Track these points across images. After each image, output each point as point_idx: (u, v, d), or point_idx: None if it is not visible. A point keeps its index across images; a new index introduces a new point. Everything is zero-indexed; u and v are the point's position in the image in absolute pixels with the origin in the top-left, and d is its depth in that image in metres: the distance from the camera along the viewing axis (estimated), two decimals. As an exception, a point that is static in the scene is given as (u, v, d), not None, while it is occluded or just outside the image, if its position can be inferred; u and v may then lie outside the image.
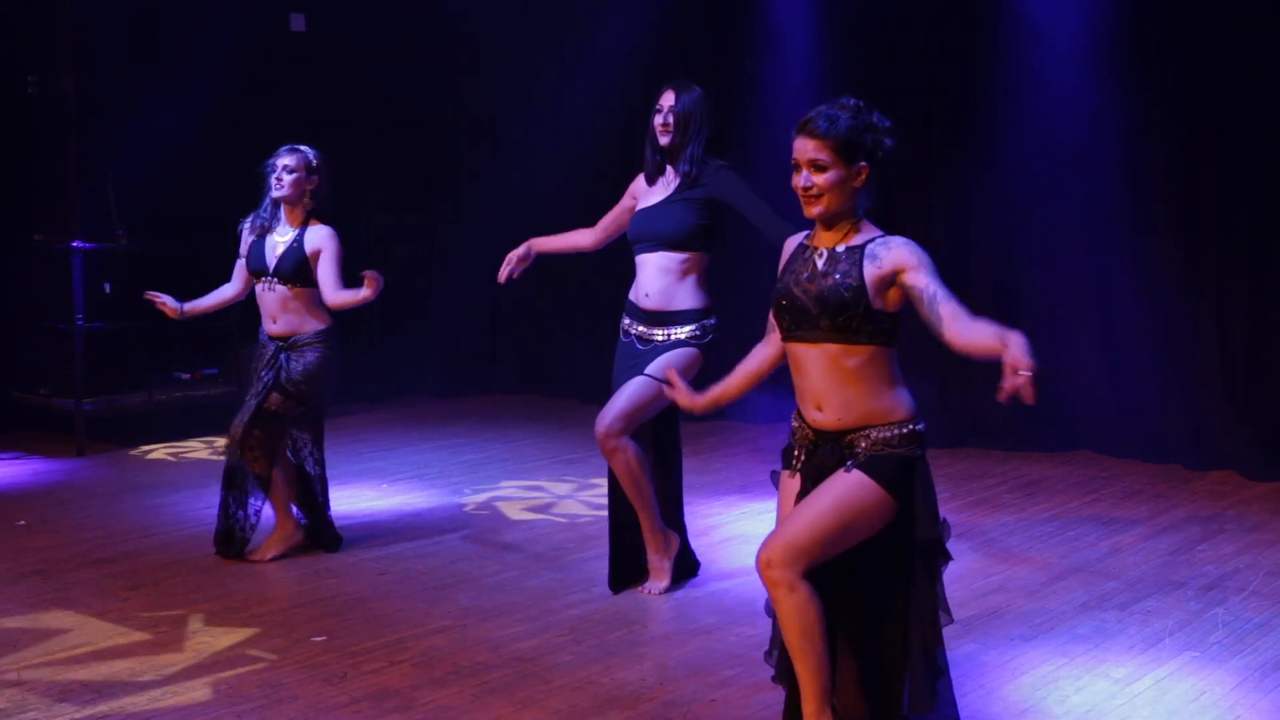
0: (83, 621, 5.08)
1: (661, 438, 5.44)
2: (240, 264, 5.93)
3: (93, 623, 5.07)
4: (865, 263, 3.57)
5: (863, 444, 3.58)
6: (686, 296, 5.25)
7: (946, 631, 3.73)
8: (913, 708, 3.69)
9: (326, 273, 5.74)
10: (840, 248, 3.62)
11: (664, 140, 5.27)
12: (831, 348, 3.58)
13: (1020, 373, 3.33)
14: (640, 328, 5.30)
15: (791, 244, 3.78)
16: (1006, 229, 8.12)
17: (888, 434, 3.58)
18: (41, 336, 8.44)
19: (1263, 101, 7.25)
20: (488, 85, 9.92)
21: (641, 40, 8.97)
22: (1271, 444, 7.28)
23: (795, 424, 3.76)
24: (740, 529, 6.29)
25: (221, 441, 6.55)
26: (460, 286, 10.18)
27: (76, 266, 8.07)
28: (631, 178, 5.49)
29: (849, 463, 3.57)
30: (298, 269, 5.75)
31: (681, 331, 5.24)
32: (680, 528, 5.55)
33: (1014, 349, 3.37)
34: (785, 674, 3.74)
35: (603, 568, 5.69)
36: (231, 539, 5.86)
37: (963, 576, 5.63)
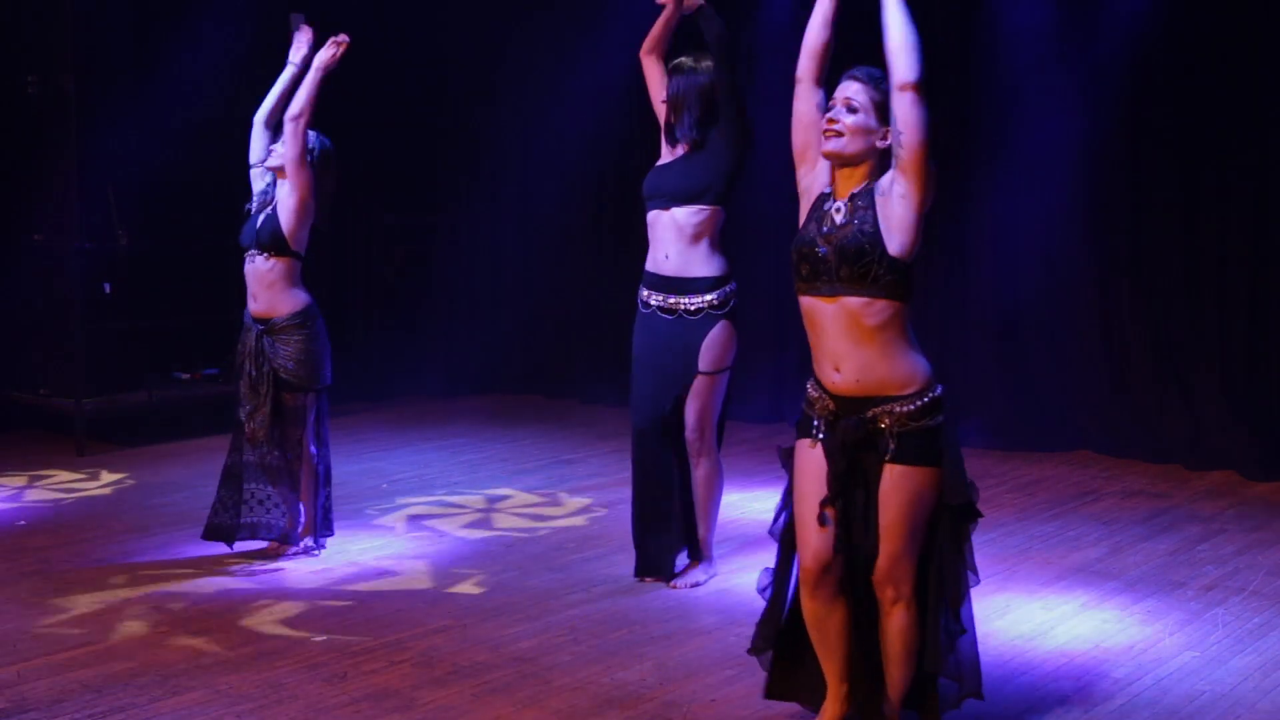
0: (82, 621, 5.08)
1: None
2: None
3: (92, 623, 5.07)
4: (876, 200, 3.63)
5: (886, 421, 3.63)
6: (703, 262, 5.31)
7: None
8: (930, 664, 3.72)
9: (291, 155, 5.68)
10: (856, 190, 3.69)
11: (663, 121, 5.45)
12: (850, 301, 3.62)
13: None
14: (659, 296, 5.36)
15: (812, 194, 3.83)
16: (1006, 229, 8.11)
17: (909, 407, 3.63)
18: (41, 336, 8.43)
19: (1263, 99, 7.25)
20: (488, 84, 9.91)
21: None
22: (1271, 444, 7.28)
23: (814, 393, 3.77)
24: (740, 529, 6.29)
25: (222, 441, 6.54)
26: (460, 286, 10.17)
27: (76, 266, 8.07)
28: (633, 173, 5.56)
29: (888, 453, 3.63)
30: (274, 236, 5.70)
31: (704, 300, 5.30)
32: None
33: None
34: (767, 642, 3.96)
35: (603, 568, 5.72)
36: (222, 533, 5.82)
37: (963, 576, 5.63)
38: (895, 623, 3.72)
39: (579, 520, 6.56)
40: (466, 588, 5.51)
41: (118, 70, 8.35)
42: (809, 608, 3.80)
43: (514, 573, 5.72)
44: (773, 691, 4.07)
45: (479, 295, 10.18)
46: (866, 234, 3.60)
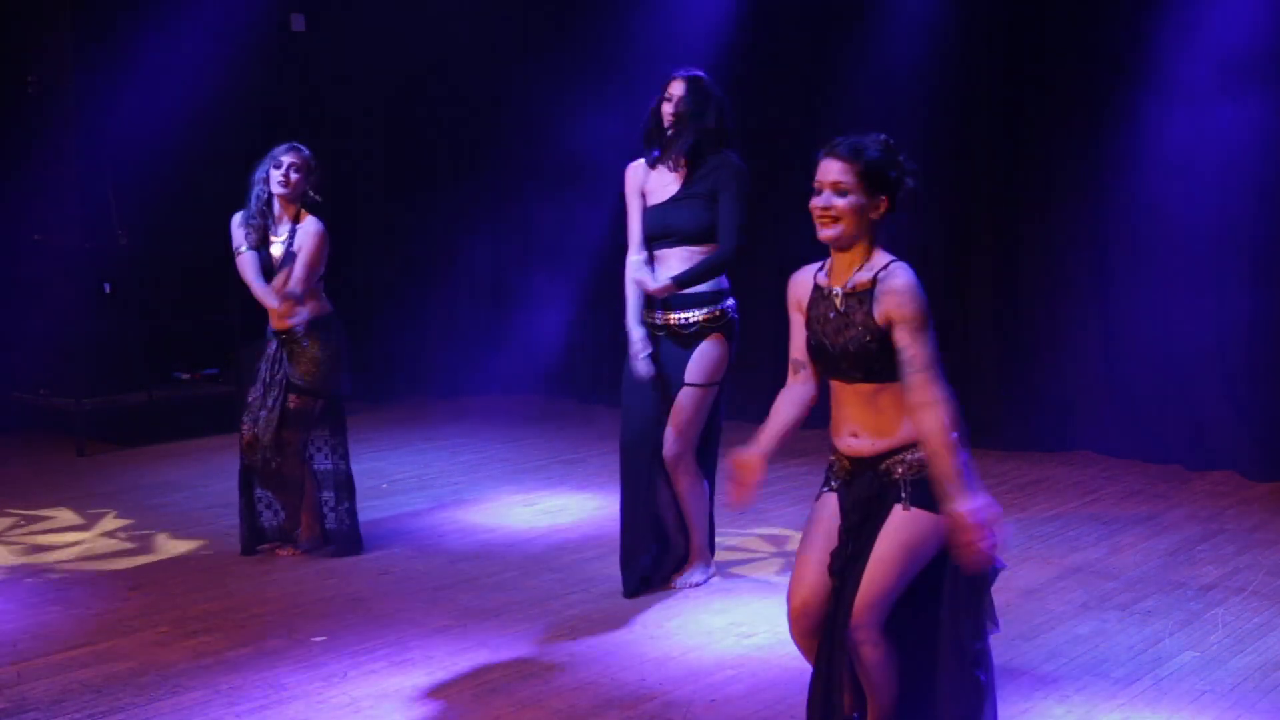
0: (83, 621, 5.08)
1: (701, 455, 5.47)
2: (244, 259, 5.78)
3: (93, 623, 5.07)
4: (874, 307, 3.55)
5: (900, 470, 3.60)
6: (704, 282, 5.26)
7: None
8: (947, 714, 3.67)
9: (297, 268, 5.69)
10: (852, 285, 3.59)
11: (671, 132, 5.29)
12: (864, 387, 3.60)
13: (971, 545, 3.47)
14: (655, 314, 5.31)
15: (803, 278, 3.73)
16: (1006, 228, 8.11)
17: (920, 454, 3.58)
18: (41, 336, 8.43)
19: (1263, 97, 7.25)
20: (488, 84, 9.90)
21: (644, 30, 8.95)
22: (1271, 444, 7.28)
23: (832, 457, 3.76)
24: (739, 538, 6.28)
25: (222, 441, 6.54)
26: (460, 286, 10.17)
27: (76, 266, 8.06)
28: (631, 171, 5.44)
29: (902, 498, 3.58)
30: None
31: (698, 315, 5.27)
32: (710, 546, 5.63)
33: (963, 520, 3.50)
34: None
35: (603, 568, 5.71)
36: (259, 537, 5.88)
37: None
38: (865, 662, 3.64)
39: (579, 520, 6.56)
40: (466, 588, 5.51)
41: (117, 69, 8.35)
42: (799, 644, 3.76)
43: (514, 573, 5.72)
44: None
45: (479, 295, 10.18)
46: (875, 337, 3.53)
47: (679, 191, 5.27)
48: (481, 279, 10.17)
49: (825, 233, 3.60)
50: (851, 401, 3.63)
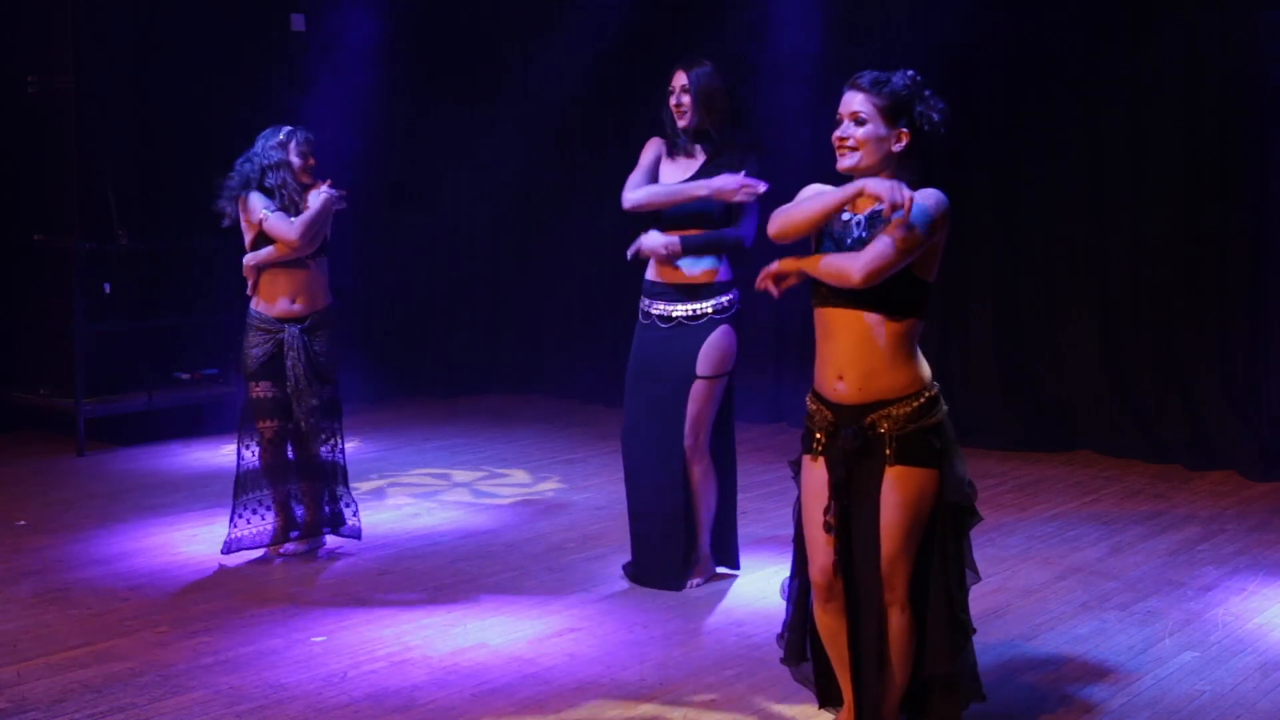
0: (83, 621, 5.08)
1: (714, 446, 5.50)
2: (276, 217, 5.75)
3: (93, 623, 5.07)
4: None
5: (885, 425, 3.63)
6: (719, 269, 5.29)
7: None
8: (934, 664, 3.70)
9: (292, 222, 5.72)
10: (877, 208, 3.61)
11: (682, 122, 5.31)
12: (867, 316, 3.61)
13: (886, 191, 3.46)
14: (661, 305, 5.34)
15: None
16: (1006, 228, 8.11)
17: (905, 409, 3.62)
18: (41, 336, 8.43)
19: (1263, 96, 7.25)
20: (487, 85, 9.90)
21: (639, 26, 8.95)
22: (1271, 444, 7.28)
23: (813, 405, 3.76)
24: (741, 530, 6.28)
25: (222, 441, 6.54)
26: (460, 286, 10.17)
27: (76, 266, 8.07)
28: (627, 170, 5.42)
29: (888, 457, 3.62)
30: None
31: (705, 306, 5.28)
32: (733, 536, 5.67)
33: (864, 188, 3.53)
34: (796, 655, 3.93)
35: (603, 568, 5.72)
36: (291, 526, 5.88)
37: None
38: (891, 626, 3.70)
39: (579, 520, 6.56)
40: (466, 588, 5.51)
41: (118, 70, 8.35)
42: (822, 621, 3.81)
43: (514, 573, 5.72)
44: (826, 700, 4.01)
45: (479, 295, 10.18)
46: None
47: (693, 175, 5.28)
48: (482, 279, 10.16)
49: (844, 162, 3.66)
50: (844, 336, 3.63)
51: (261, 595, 5.40)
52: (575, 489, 7.20)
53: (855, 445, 3.65)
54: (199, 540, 6.14)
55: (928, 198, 3.60)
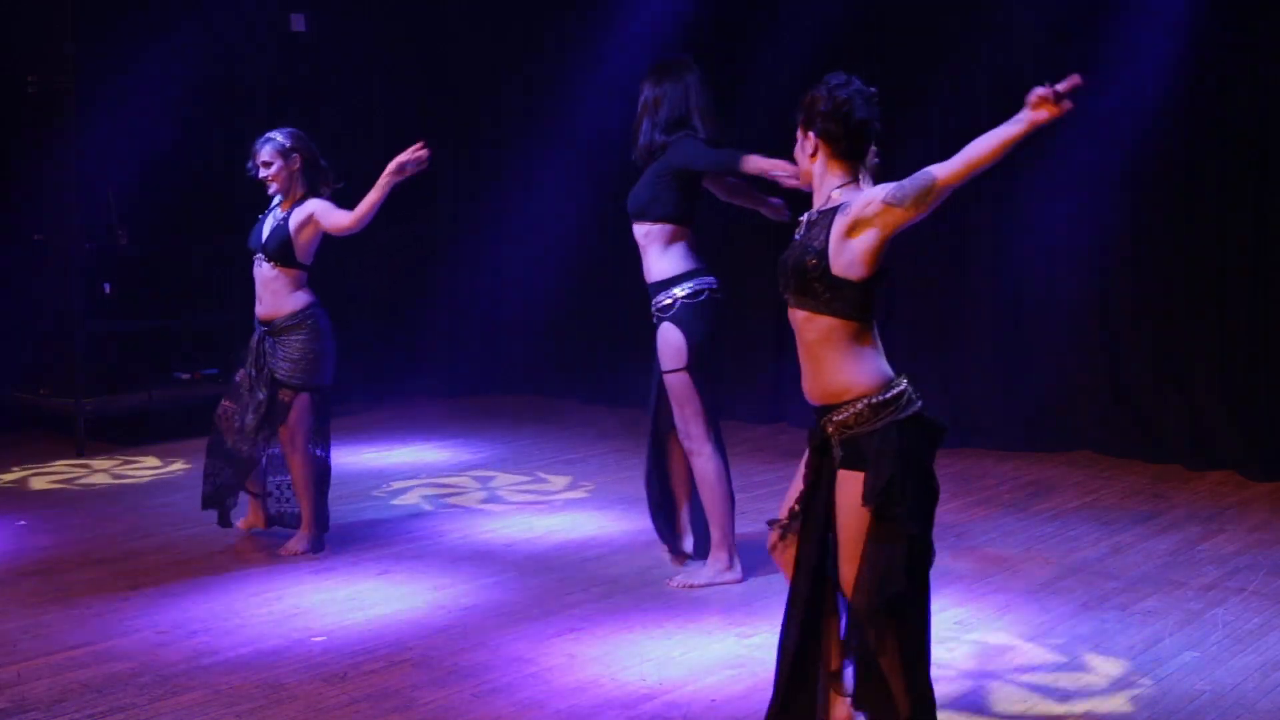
0: (83, 621, 5.08)
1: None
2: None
3: (93, 623, 5.07)
4: (836, 218, 3.58)
5: (830, 429, 3.62)
6: (662, 266, 5.45)
7: (948, 628, 3.72)
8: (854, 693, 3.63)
9: (333, 216, 5.84)
10: (823, 208, 3.68)
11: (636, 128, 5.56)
12: (797, 314, 3.65)
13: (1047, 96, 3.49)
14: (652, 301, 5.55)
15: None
16: (1007, 229, 8.10)
17: (843, 415, 3.58)
18: (41, 336, 8.43)
19: (1263, 96, 7.25)
20: (487, 86, 9.90)
21: (652, 34, 8.94)
22: (1271, 444, 7.28)
23: None
24: (740, 529, 6.28)
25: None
26: (461, 286, 10.17)
27: (76, 266, 8.07)
28: (634, 174, 5.64)
29: (838, 460, 3.60)
30: (281, 247, 5.83)
31: (665, 300, 5.44)
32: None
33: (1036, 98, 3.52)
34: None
35: (602, 568, 5.77)
36: (220, 501, 5.99)
37: (963, 576, 5.63)
38: (872, 641, 3.52)
39: (579, 520, 6.56)
40: (466, 588, 5.51)
41: (117, 70, 8.35)
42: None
43: (514, 573, 5.72)
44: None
45: (479, 296, 10.18)
46: (812, 250, 3.56)
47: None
48: (483, 278, 10.16)
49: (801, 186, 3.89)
50: (799, 341, 3.67)
51: (261, 595, 5.40)
52: (575, 489, 7.20)
53: (814, 443, 3.68)
54: (199, 541, 6.14)
55: (874, 189, 3.67)
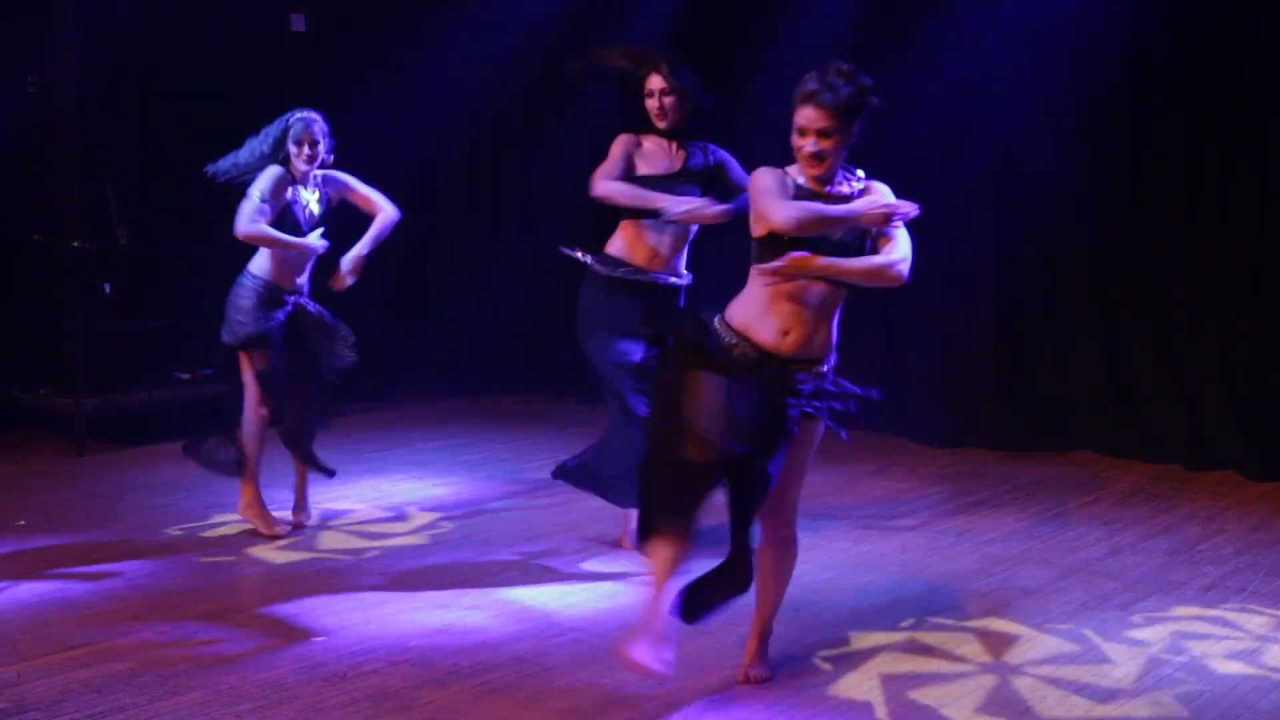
0: (84, 621, 5.08)
1: None
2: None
3: (95, 623, 5.07)
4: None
5: (809, 382, 4.18)
6: (683, 260, 5.77)
7: (948, 629, 3.72)
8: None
9: (366, 191, 6.12)
10: (834, 192, 4.12)
11: (661, 124, 5.62)
12: (834, 289, 4.11)
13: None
14: (658, 274, 5.73)
15: (769, 174, 4.12)
16: (1006, 228, 8.11)
17: (827, 366, 4.23)
18: (41, 336, 8.43)
19: (1264, 96, 7.25)
20: (486, 86, 9.90)
21: (657, 30, 8.95)
22: (1271, 444, 7.28)
23: (731, 339, 4.21)
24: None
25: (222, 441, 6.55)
26: (460, 286, 10.17)
27: (77, 266, 8.06)
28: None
29: (808, 409, 4.21)
30: (330, 218, 6.10)
31: (686, 279, 5.77)
32: None
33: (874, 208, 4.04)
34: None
35: (602, 567, 5.76)
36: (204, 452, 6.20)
37: (963, 576, 5.63)
38: (774, 556, 4.37)
39: (579, 520, 6.55)
40: (466, 588, 5.51)
41: (118, 70, 8.35)
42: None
43: (514, 573, 5.72)
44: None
45: (479, 295, 10.18)
46: (856, 236, 4.08)
47: (677, 170, 5.64)
48: (483, 278, 10.16)
49: (818, 171, 4.07)
50: (809, 304, 4.07)
51: (261, 595, 5.40)
52: (575, 489, 7.18)
53: (773, 389, 4.11)
54: (199, 541, 6.14)
55: (888, 194, 4.15)
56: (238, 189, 6.04)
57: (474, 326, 10.17)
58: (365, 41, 9.56)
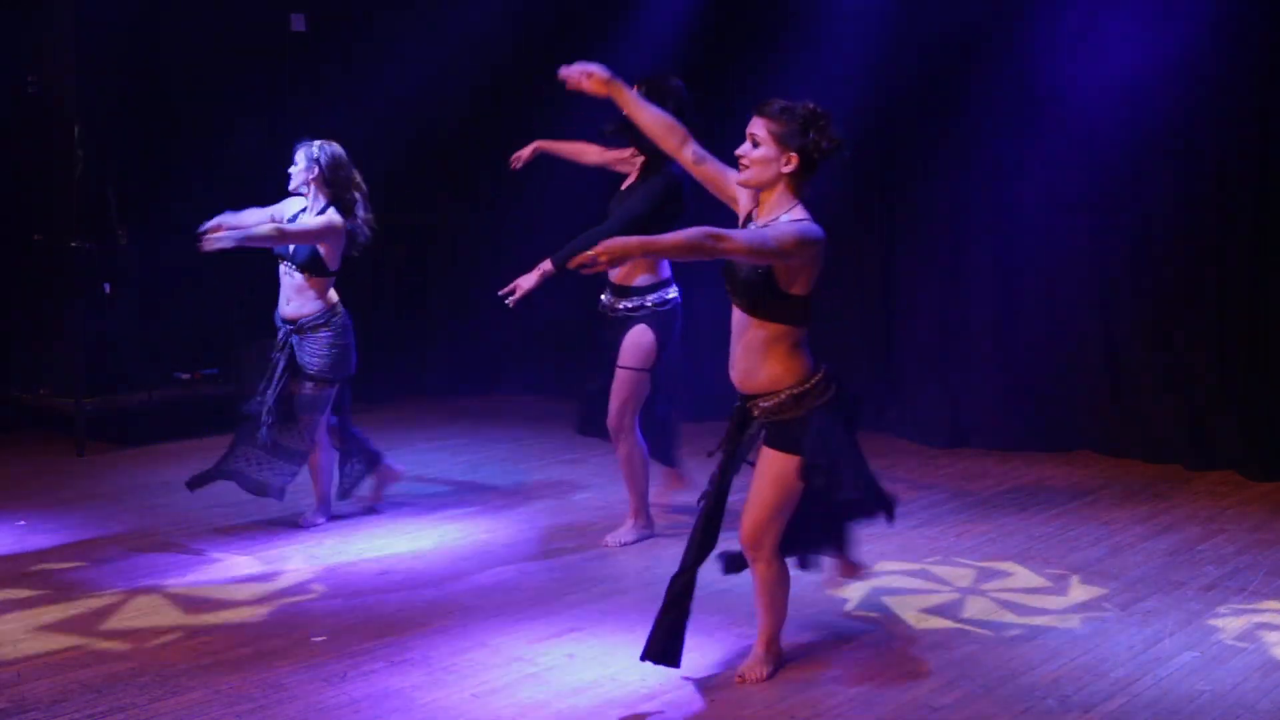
0: (83, 621, 5.08)
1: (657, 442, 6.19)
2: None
3: (93, 623, 5.07)
4: None
5: (756, 412, 4.25)
6: (645, 273, 5.87)
7: (950, 630, 3.72)
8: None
9: (307, 223, 6.04)
10: (770, 219, 4.15)
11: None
12: (747, 319, 4.19)
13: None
14: (607, 297, 6.00)
15: (744, 209, 4.33)
16: (1005, 228, 8.11)
17: (769, 403, 4.20)
18: (41, 336, 8.43)
19: (1264, 95, 7.25)
20: (487, 85, 9.90)
21: (635, 38, 8.94)
22: (1271, 444, 7.28)
23: None
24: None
25: (222, 441, 6.56)
26: (460, 286, 10.16)
27: (77, 266, 8.06)
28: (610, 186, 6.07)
29: (762, 435, 4.27)
30: (311, 258, 6.07)
31: (633, 304, 5.90)
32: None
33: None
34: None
35: (602, 568, 5.76)
36: (208, 480, 6.25)
37: (963, 577, 5.63)
38: (759, 575, 4.43)
39: (579, 520, 6.56)
40: (466, 588, 5.51)
41: (118, 69, 8.35)
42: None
43: (513, 573, 5.72)
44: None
45: (480, 295, 10.16)
46: (760, 271, 4.08)
47: (633, 182, 5.93)
48: (483, 278, 10.15)
49: (740, 177, 4.23)
50: (736, 333, 4.22)
51: (261, 595, 5.40)
52: (575, 489, 7.20)
53: (736, 420, 4.33)
54: (199, 541, 6.14)
55: (793, 224, 4.08)
56: (237, 189, 6.07)
57: (474, 327, 10.16)
58: (365, 41, 9.55)
